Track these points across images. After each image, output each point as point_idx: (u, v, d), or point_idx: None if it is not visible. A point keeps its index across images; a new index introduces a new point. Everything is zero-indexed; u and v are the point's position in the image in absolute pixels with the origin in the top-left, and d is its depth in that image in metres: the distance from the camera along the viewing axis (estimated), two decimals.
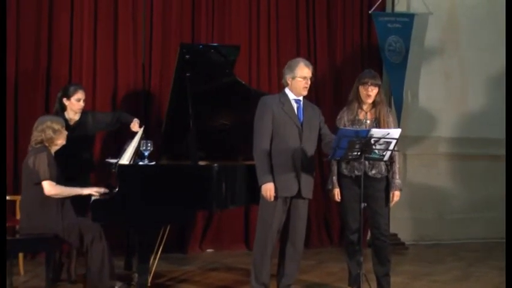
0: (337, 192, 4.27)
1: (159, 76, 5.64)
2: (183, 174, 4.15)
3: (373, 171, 4.21)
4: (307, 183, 4.13)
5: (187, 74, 4.36)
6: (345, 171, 4.24)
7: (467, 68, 6.64)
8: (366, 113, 4.27)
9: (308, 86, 4.12)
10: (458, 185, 6.61)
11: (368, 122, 4.24)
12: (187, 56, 4.35)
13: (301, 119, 4.12)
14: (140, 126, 4.57)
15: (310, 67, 4.14)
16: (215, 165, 4.19)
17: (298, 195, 4.09)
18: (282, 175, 4.03)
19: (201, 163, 4.32)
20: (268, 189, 4.00)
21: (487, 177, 6.63)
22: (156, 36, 5.64)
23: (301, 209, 4.16)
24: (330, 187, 4.30)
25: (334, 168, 4.29)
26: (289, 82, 4.13)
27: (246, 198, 4.34)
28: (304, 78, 4.09)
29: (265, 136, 4.04)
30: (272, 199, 4.01)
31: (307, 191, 4.14)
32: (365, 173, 4.11)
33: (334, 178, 4.28)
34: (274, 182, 4.02)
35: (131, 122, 4.71)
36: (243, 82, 4.72)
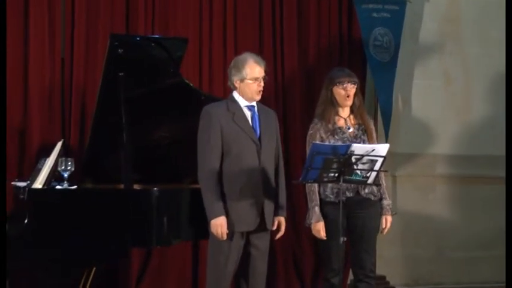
0: (322, 226, 4.28)
1: (83, 75, 5.61)
2: (113, 202, 4.14)
3: (367, 190, 4.31)
4: (271, 211, 4.18)
5: (120, 74, 4.37)
6: (331, 197, 4.29)
7: (472, 68, 6.77)
8: (346, 119, 4.37)
9: (262, 88, 4.16)
10: (461, 215, 6.71)
11: (351, 129, 4.34)
12: (120, 51, 4.36)
13: (258, 131, 4.16)
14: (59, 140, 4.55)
15: (263, 64, 4.19)
16: (155, 189, 4.20)
17: (260, 227, 4.12)
18: (238, 204, 4.05)
19: (137, 187, 4.31)
20: (219, 226, 4.00)
21: (497, 205, 6.71)
22: (79, 23, 5.61)
23: (262, 244, 4.19)
24: (313, 221, 4.31)
25: (316, 195, 4.31)
26: (237, 85, 4.17)
27: (195, 232, 4.35)
28: (256, 79, 4.13)
29: (214, 156, 4.05)
30: (224, 237, 4.02)
31: (271, 222, 4.18)
32: (357, 194, 4.24)
33: (317, 209, 4.29)
34: (227, 214, 4.03)
35: None
36: (192, 84, 4.75)
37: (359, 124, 4.36)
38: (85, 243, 4.02)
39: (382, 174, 4.34)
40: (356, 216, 4.25)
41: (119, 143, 4.32)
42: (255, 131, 4.14)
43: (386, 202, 4.38)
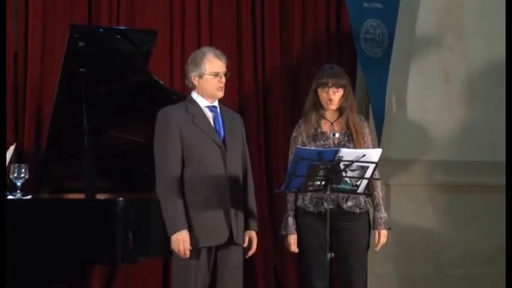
0: (293, 239, 4.31)
1: (40, 71, 5.60)
2: (73, 213, 4.12)
3: (349, 203, 4.29)
4: (241, 223, 4.16)
5: (81, 69, 4.36)
6: (309, 206, 4.30)
7: (474, 65, 6.80)
8: (332, 123, 4.37)
9: (223, 85, 4.17)
10: (461, 228, 6.73)
11: (337, 135, 4.33)
12: (81, 44, 4.36)
13: (222, 133, 4.16)
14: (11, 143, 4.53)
15: (224, 58, 4.19)
16: (120, 199, 4.18)
17: (229, 241, 4.09)
18: (204, 216, 4.03)
19: (100, 197, 4.29)
20: (180, 241, 3.96)
21: (500, 217, 6.74)
22: (34, 12, 5.59)
23: (232, 259, 4.16)
24: (284, 232, 4.34)
25: (291, 204, 4.34)
26: (195, 83, 4.17)
27: (165, 248, 4.32)
28: (216, 74, 4.14)
29: (173, 163, 4.03)
30: (187, 254, 3.99)
31: (241, 235, 4.17)
32: (338, 206, 4.23)
33: (290, 220, 4.32)
34: (191, 227, 4.00)
35: None
36: (162, 82, 4.74)
37: (346, 130, 4.36)
38: (39, 259, 4.00)
39: (378, 183, 4.35)
40: (340, 229, 4.22)
41: (79, 147, 4.31)
42: (219, 133, 4.15)
43: (379, 215, 4.37)
